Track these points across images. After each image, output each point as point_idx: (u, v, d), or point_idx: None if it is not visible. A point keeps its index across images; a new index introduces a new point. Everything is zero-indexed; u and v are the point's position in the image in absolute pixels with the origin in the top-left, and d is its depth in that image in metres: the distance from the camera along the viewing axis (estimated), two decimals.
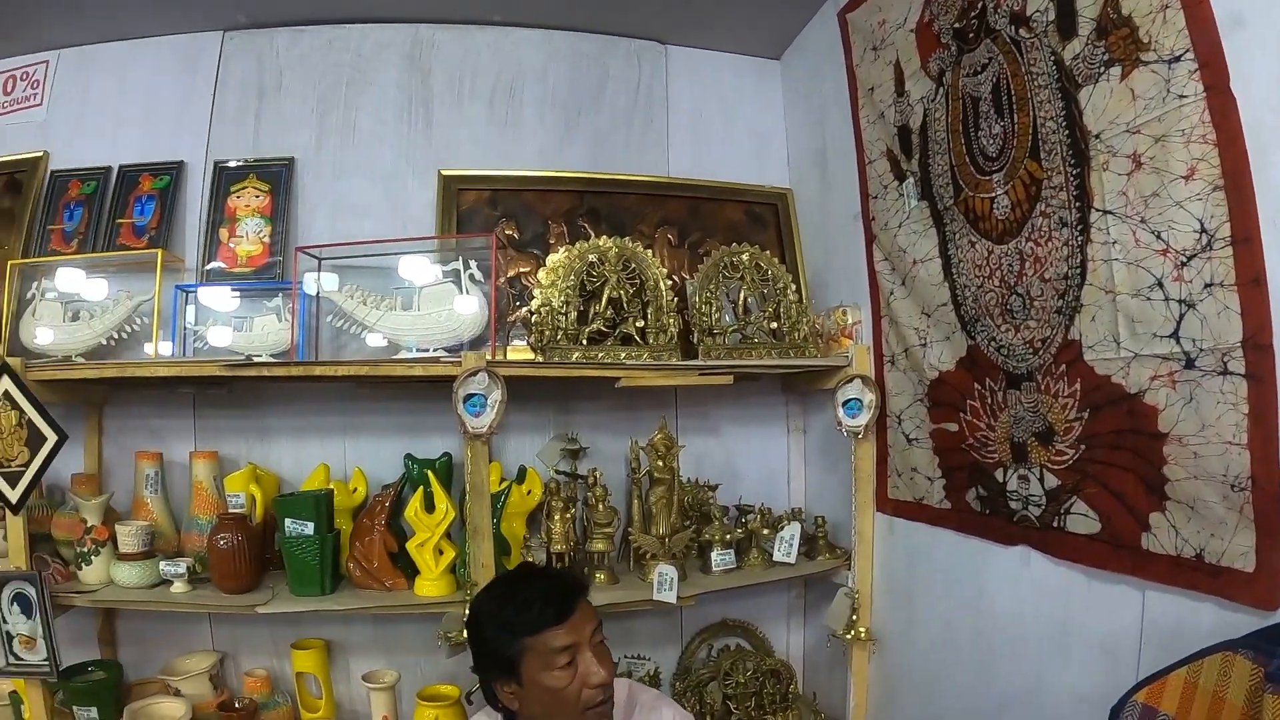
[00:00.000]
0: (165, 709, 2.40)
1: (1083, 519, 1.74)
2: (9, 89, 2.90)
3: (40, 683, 2.31)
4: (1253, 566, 1.38)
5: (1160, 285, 1.52)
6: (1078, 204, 1.71)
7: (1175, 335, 1.50)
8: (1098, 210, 1.66)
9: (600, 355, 2.43)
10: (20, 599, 2.26)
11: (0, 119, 2.88)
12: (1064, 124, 1.74)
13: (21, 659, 2.28)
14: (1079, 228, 1.71)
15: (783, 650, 2.94)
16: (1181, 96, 1.46)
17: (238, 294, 2.67)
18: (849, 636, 2.49)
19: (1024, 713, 1.93)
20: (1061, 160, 1.75)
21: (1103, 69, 1.63)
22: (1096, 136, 1.65)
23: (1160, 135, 1.50)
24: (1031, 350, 1.87)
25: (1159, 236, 1.52)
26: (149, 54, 2.87)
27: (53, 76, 2.88)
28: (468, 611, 1.84)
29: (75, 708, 2.36)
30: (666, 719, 1.81)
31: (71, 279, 2.59)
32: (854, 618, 2.49)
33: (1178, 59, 1.47)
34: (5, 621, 2.26)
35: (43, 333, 2.57)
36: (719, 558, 2.54)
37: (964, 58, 2.06)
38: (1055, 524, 1.82)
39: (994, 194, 1.96)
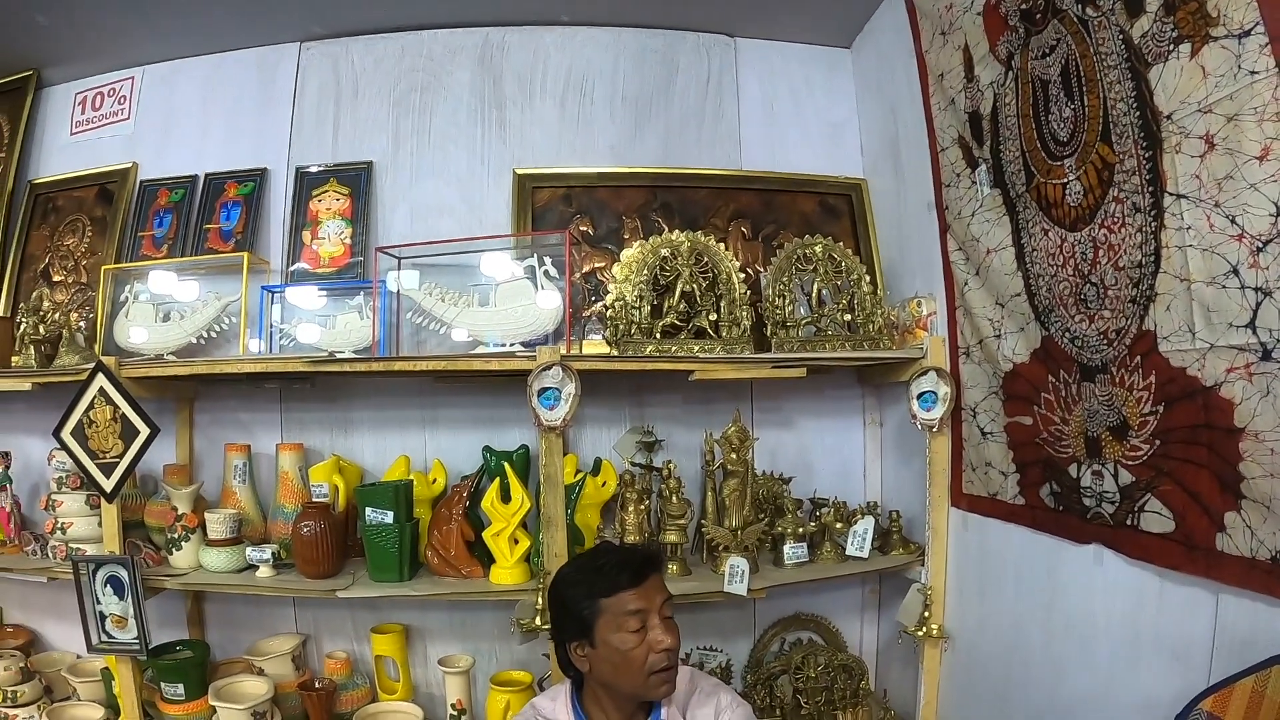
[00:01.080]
0: (248, 687, 2.51)
1: (1157, 517, 1.67)
2: (98, 105, 3.09)
3: (130, 660, 2.45)
4: None
5: (1236, 272, 1.45)
6: (1150, 188, 1.65)
7: (1252, 325, 1.42)
8: (1171, 194, 1.59)
9: (673, 348, 2.46)
10: (113, 581, 2.41)
11: (91, 133, 3.08)
12: (1134, 105, 1.67)
13: (113, 637, 2.43)
14: (1152, 213, 1.65)
15: (855, 645, 2.91)
16: (1253, 73, 1.39)
17: (324, 293, 2.77)
18: (921, 633, 2.45)
19: (1093, 717, 1.87)
20: (1133, 143, 1.68)
21: (1172, 46, 1.56)
22: (1168, 117, 1.58)
23: (1232, 114, 1.43)
24: (1106, 341, 1.81)
25: (1233, 221, 1.45)
26: (230, 67, 3.02)
27: (139, 91, 3.07)
28: (550, 580, 1.95)
29: (163, 684, 2.48)
30: (724, 703, 1.86)
31: (166, 281, 2.74)
32: (926, 614, 2.45)
33: (1248, 33, 1.39)
34: (99, 602, 2.42)
35: (136, 333, 2.72)
36: (791, 551, 2.53)
37: (1032, 39, 2.00)
38: (1129, 522, 1.75)
39: (1066, 180, 1.90)
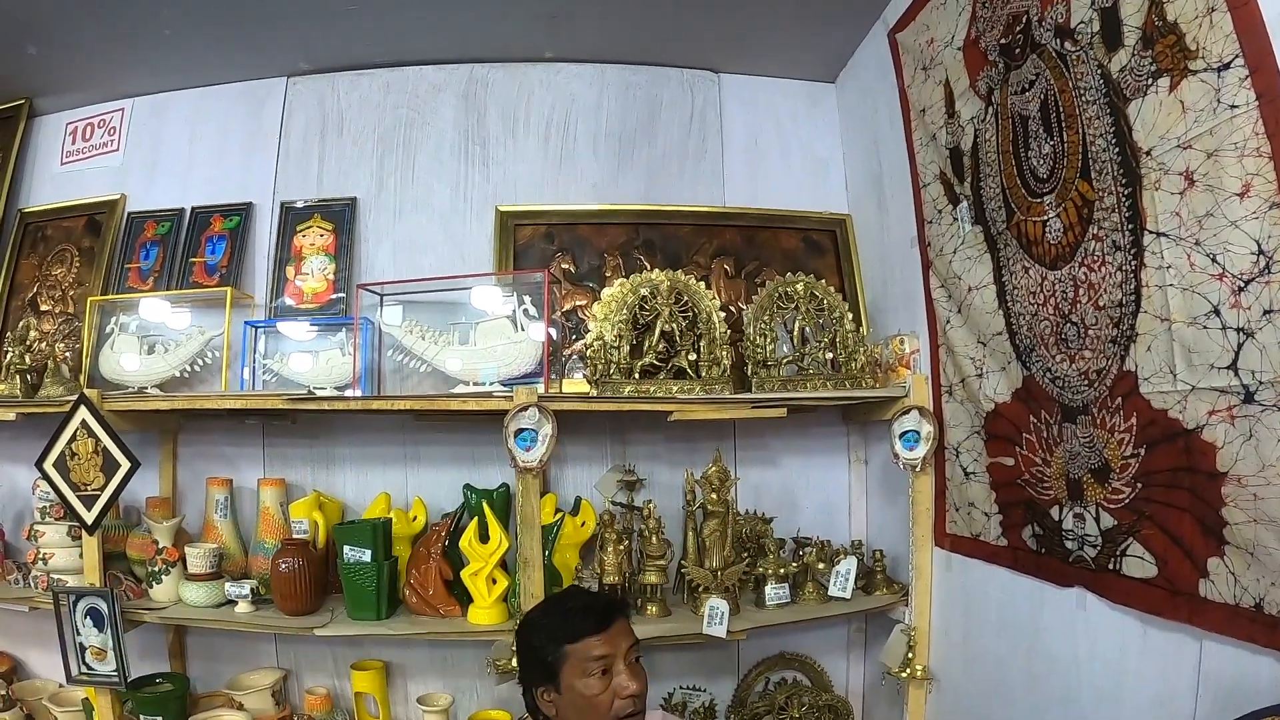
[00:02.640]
0: None
1: (1139, 562, 1.59)
2: (88, 135, 3.04)
3: (110, 691, 2.39)
4: None
5: (1217, 312, 1.37)
6: (1130, 226, 1.58)
7: (1234, 366, 1.35)
8: (1151, 232, 1.52)
9: (652, 389, 2.38)
10: (93, 613, 2.35)
11: (81, 163, 3.03)
12: (1113, 141, 1.60)
13: (93, 669, 2.38)
14: (1132, 251, 1.57)
15: (841, 686, 2.80)
16: (1233, 106, 1.32)
17: (315, 329, 2.71)
18: (905, 675, 2.35)
19: None
20: (1113, 179, 1.61)
21: (1150, 80, 1.49)
22: (1147, 153, 1.51)
23: (1212, 149, 1.36)
24: (1086, 382, 1.73)
25: (1214, 260, 1.37)
26: (218, 100, 2.98)
27: (129, 123, 3.02)
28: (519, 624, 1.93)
29: (142, 716, 2.43)
30: None
31: (157, 311, 2.70)
32: (910, 655, 2.35)
33: (1227, 65, 1.33)
34: (79, 633, 2.36)
35: (120, 365, 2.66)
36: (773, 591, 2.44)
37: (1011, 75, 1.94)
38: (1111, 566, 1.67)
39: (1046, 217, 1.83)
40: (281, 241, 2.82)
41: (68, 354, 2.82)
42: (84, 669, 2.38)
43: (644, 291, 2.45)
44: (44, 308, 2.95)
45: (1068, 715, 1.82)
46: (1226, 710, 1.24)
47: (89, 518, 2.34)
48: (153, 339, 2.72)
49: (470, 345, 2.50)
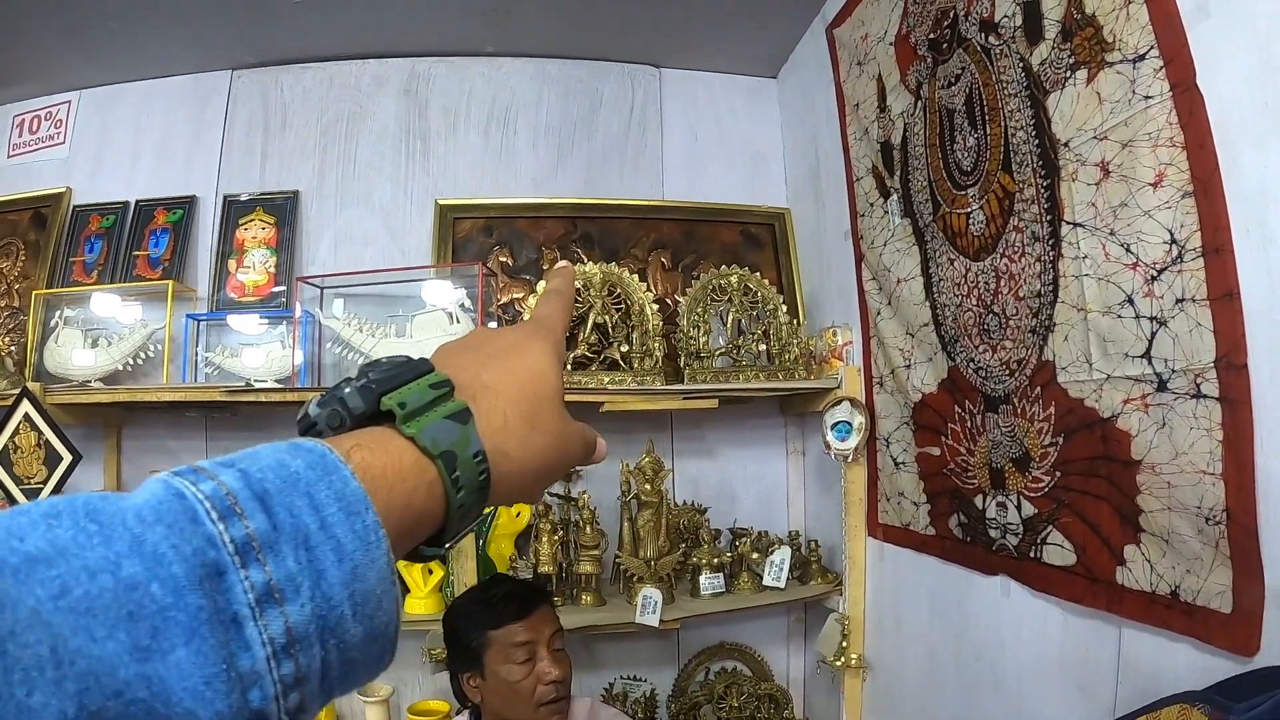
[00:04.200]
0: None
1: (1059, 550, 1.53)
2: (35, 128, 2.89)
3: None
4: (1229, 607, 1.16)
5: (1131, 302, 1.32)
6: (1049, 217, 1.52)
7: (1147, 355, 1.29)
8: (1068, 223, 1.46)
9: (583, 380, 2.29)
10: None
11: (27, 156, 2.88)
12: (1034, 133, 1.55)
13: None
14: (1050, 242, 1.52)
15: (782, 675, 2.73)
16: (1147, 97, 1.26)
17: (265, 321, 2.60)
18: (839, 663, 2.28)
19: None
20: (1032, 171, 1.56)
21: (1069, 73, 1.44)
22: (1065, 145, 1.46)
23: (1127, 140, 1.31)
24: (1008, 372, 1.67)
25: (1128, 249, 1.32)
26: (163, 93, 2.84)
27: (74, 116, 2.86)
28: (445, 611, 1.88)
29: None
30: None
31: (101, 304, 2.58)
32: (844, 644, 2.29)
33: (1142, 57, 1.27)
34: None
35: (64, 358, 2.55)
36: (707, 581, 2.36)
37: (939, 69, 1.88)
38: (1032, 554, 1.61)
39: (970, 209, 1.77)
40: (224, 234, 2.70)
41: (12, 348, 2.69)
42: None
43: (577, 284, 2.35)
44: None
45: (996, 699, 1.77)
46: (1145, 695, 1.18)
47: None
48: (96, 332, 2.60)
49: (406, 338, 2.40)
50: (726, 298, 2.45)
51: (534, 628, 1.69)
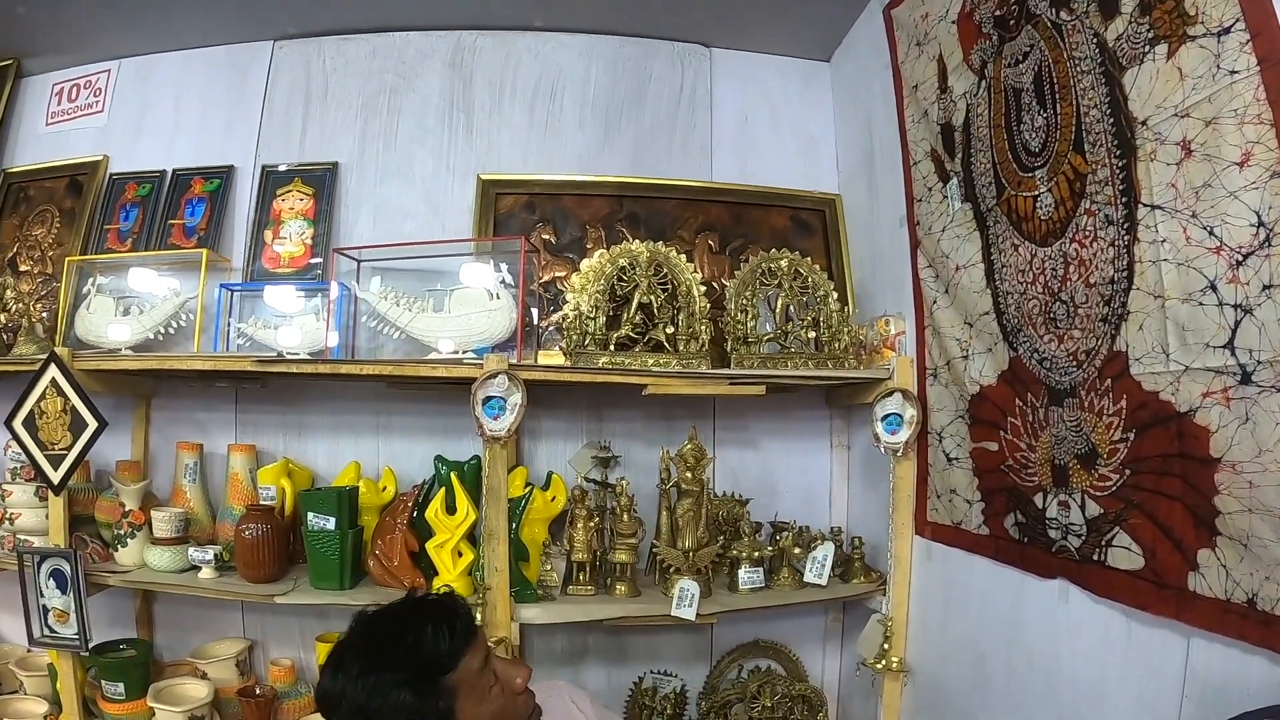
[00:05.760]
0: (189, 689, 2.38)
1: (1125, 553, 1.48)
2: (74, 96, 2.93)
3: (71, 655, 2.32)
4: None
5: (1213, 288, 1.27)
6: (1124, 199, 1.47)
7: (1230, 345, 1.24)
8: (1145, 205, 1.41)
9: (627, 361, 2.26)
10: (57, 575, 2.28)
11: (65, 124, 2.92)
12: (1108, 111, 1.50)
13: (55, 632, 2.30)
14: (1125, 225, 1.47)
15: (817, 676, 2.69)
16: (1233, 72, 1.21)
17: (302, 293, 2.60)
18: (880, 666, 2.24)
19: None
20: (1107, 151, 1.51)
21: (1147, 48, 1.39)
22: (1143, 123, 1.41)
23: (1211, 117, 1.26)
24: (1075, 363, 1.62)
25: (1211, 233, 1.27)
26: (204, 63, 2.87)
27: (114, 85, 2.91)
28: (328, 707, 1.34)
29: (104, 682, 2.34)
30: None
31: (131, 276, 2.59)
32: (886, 646, 2.24)
33: (1227, 30, 1.22)
34: (42, 595, 2.29)
35: (95, 326, 2.58)
36: (746, 575, 2.33)
37: (1005, 47, 1.83)
38: (1096, 557, 1.55)
39: (1037, 192, 1.72)
40: (261, 205, 2.71)
41: (44, 314, 2.72)
42: (46, 631, 2.30)
43: (623, 262, 2.34)
44: (23, 268, 2.85)
45: (1048, 713, 1.71)
46: (1214, 712, 1.15)
47: (55, 477, 2.27)
48: (128, 300, 2.62)
49: (444, 312, 2.38)
50: (776, 282, 2.41)
51: (480, 642, 1.39)
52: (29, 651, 2.58)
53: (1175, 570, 1.36)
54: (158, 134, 2.85)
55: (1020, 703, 1.81)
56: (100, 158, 2.84)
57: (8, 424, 2.29)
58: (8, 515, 2.44)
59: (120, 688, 2.32)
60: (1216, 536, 1.27)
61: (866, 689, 2.44)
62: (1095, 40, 1.53)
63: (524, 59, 2.83)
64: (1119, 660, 1.51)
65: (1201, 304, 1.29)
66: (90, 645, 2.29)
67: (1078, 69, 1.58)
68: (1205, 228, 1.28)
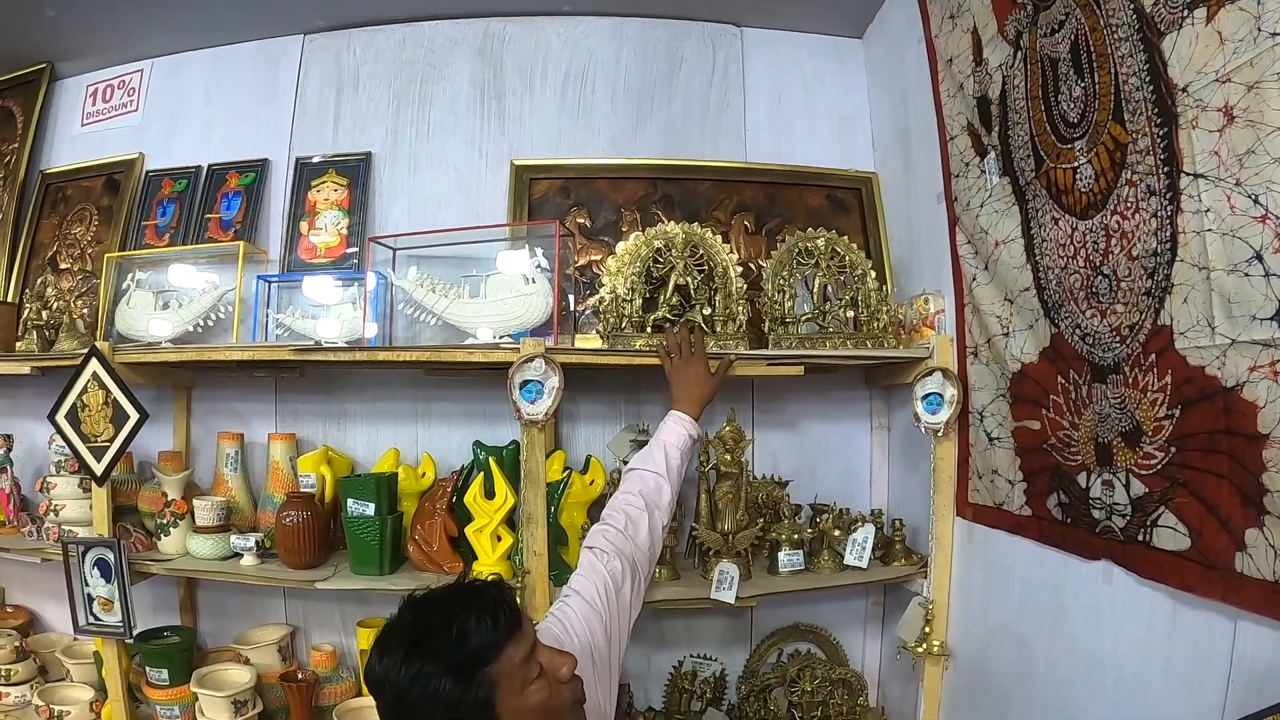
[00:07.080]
0: (231, 675, 2.45)
1: (1171, 533, 1.45)
2: (108, 97, 3.03)
3: (116, 643, 2.39)
4: None
5: (1260, 258, 1.24)
6: (1165, 169, 1.44)
7: (1277, 317, 1.21)
8: (1188, 174, 1.38)
9: (665, 342, 2.27)
10: (101, 564, 2.35)
11: (100, 124, 3.02)
12: (1147, 79, 1.47)
13: (100, 620, 2.37)
14: (1168, 195, 1.44)
15: (857, 660, 2.69)
16: (1274, 34, 1.18)
17: (339, 283, 2.64)
18: (920, 649, 2.23)
19: None
20: (1147, 120, 1.48)
21: (1186, 12, 1.35)
22: (1183, 90, 1.38)
23: (1254, 82, 1.22)
24: (1118, 338, 1.59)
25: (1256, 201, 1.24)
26: (235, 59, 2.94)
27: (147, 84, 3.00)
28: (374, 689, 1.33)
29: (148, 668, 2.42)
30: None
31: (170, 270, 2.67)
32: (927, 629, 2.23)
33: None
34: (87, 584, 2.36)
35: (135, 320, 2.65)
36: (786, 558, 2.33)
37: (1040, 16, 1.80)
38: (1141, 538, 1.53)
39: (1076, 163, 1.69)
40: (296, 197, 2.76)
41: (85, 310, 2.81)
42: (91, 619, 2.37)
43: (658, 244, 2.34)
44: (63, 266, 2.95)
45: (1091, 698, 1.70)
46: (1261, 698, 1.12)
47: (98, 469, 2.34)
48: (167, 295, 2.69)
49: (480, 298, 2.41)
50: (813, 261, 2.40)
51: (525, 632, 1.35)
52: (75, 640, 2.67)
53: (1222, 550, 1.33)
54: (192, 130, 2.92)
55: (1062, 686, 1.79)
56: (136, 155, 2.92)
57: (51, 418, 2.37)
58: (53, 507, 2.53)
59: (164, 674, 2.40)
60: (1265, 515, 1.25)
61: (907, 673, 2.43)
62: (1132, 6, 1.49)
63: (553, 44, 2.84)
64: (1164, 644, 1.49)
65: (1248, 275, 1.26)
66: (134, 632, 2.37)
67: (1115, 36, 1.55)
68: (1250, 196, 1.25)
